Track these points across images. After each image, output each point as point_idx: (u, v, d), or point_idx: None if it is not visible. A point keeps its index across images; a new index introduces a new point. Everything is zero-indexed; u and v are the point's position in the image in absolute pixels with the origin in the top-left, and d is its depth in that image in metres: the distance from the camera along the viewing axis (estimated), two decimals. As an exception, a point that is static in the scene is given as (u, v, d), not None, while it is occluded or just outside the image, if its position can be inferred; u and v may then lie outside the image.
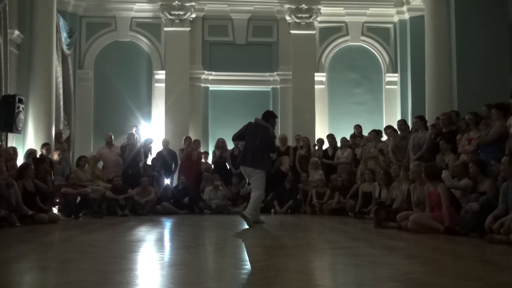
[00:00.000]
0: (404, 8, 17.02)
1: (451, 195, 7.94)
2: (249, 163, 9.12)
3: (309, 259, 5.23)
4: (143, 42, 17.26)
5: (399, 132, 11.64)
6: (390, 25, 17.56)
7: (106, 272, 4.18)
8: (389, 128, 12.26)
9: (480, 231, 6.89)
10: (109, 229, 8.88)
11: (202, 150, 15.04)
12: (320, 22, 17.18)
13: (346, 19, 17.43)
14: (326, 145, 14.51)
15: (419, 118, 10.98)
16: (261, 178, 9.17)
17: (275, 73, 17.24)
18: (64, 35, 15.15)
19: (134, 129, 15.17)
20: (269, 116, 9.51)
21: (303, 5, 16.84)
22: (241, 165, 9.35)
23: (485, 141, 8.20)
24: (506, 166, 6.72)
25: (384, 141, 12.50)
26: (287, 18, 17.04)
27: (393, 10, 17.29)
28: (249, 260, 5.15)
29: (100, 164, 13.75)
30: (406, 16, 17.05)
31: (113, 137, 14.10)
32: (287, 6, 16.96)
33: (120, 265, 4.58)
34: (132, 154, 13.52)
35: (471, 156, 8.62)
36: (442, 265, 4.95)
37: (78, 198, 11.91)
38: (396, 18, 17.36)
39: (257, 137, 9.18)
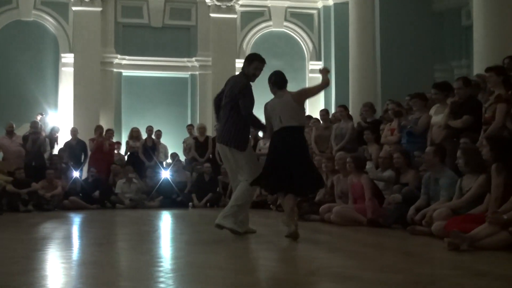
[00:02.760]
0: (329, -7, 17.37)
1: (374, 186, 8.21)
2: (220, 138, 6.60)
3: (230, 254, 5.26)
4: (49, 22, 16.67)
5: (321, 122, 11.87)
6: (314, 11, 17.87)
7: (8, 274, 4.02)
8: (310, 118, 12.48)
9: (403, 223, 7.17)
10: (11, 226, 8.58)
11: (114, 140, 14.75)
12: (242, 6, 17.23)
13: (269, 3, 17.57)
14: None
15: (343, 108, 11.26)
16: (244, 161, 6.47)
17: (193, 59, 17.14)
18: (-43, 11, 14.36)
19: (39, 117, 14.65)
20: (245, 60, 6.72)
21: (224, -13, 16.84)
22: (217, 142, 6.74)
23: (419, 131, 8.51)
24: (431, 157, 7.01)
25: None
26: (207, 0, 16.97)
27: (317, -4, 17.60)
28: (167, 257, 5.12)
29: (0, 156, 13.21)
30: (331, 2, 17.41)
31: (14, 126, 13.54)
32: (206, -13, 16.89)
33: (23, 265, 4.43)
34: (36, 145, 13.04)
35: (395, 146, 8.93)
36: (366, 257, 5.11)
37: (-25, 193, 11.38)
38: (320, 4, 17.67)
39: (227, 96, 6.54)
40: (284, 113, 6.39)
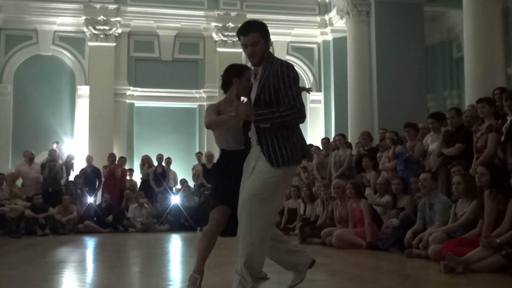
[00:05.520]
0: (328, 29, 17.53)
1: (373, 211, 8.19)
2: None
3: (236, 278, 5.22)
4: (66, 56, 16.82)
5: (322, 150, 11.88)
6: (314, 45, 18.01)
7: (26, 297, 4.01)
8: (311, 146, 12.49)
9: (400, 246, 7.14)
10: (28, 250, 8.53)
11: (126, 167, 14.78)
12: (247, 40, 17.35)
13: (272, 38, 17.57)
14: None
15: (341, 136, 11.28)
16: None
17: (201, 90, 17.24)
18: (-19, 47, 14.51)
19: (54, 145, 14.71)
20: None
21: (230, 23, 16.99)
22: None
23: (416, 158, 8.54)
24: (429, 182, 7.01)
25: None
26: (214, 36, 17.13)
27: (317, 31, 17.75)
28: (176, 280, 5.10)
29: (19, 182, 13.22)
30: (330, 37, 17.55)
31: (34, 153, 13.60)
32: (213, 24, 17.06)
33: (41, 288, 4.41)
34: (53, 172, 13.06)
35: (391, 173, 8.94)
36: (365, 280, 5.09)
37: (-5, 218, 11.35)
38: (320, 39, 17.82)
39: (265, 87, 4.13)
40: None
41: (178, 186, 14.56)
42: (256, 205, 3.87)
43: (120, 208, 13.50)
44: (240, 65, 4.56)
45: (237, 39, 15.92)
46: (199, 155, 14.93)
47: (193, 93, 17.30)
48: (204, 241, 4.37)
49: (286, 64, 4.18)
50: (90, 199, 13.40)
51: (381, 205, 8.51)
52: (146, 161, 14.47)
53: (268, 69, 4.16)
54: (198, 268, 4.26)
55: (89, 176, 13.88)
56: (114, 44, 16.62)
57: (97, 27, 16.35)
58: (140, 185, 14.39)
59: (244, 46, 4.29)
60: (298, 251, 4.43)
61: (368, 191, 8.65)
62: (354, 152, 11.13)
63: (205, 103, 17.22)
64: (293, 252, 4.36)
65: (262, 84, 4.09)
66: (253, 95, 4.15)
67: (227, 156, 4.44)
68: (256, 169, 4.03)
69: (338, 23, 16.71)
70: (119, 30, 16.65)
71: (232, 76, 4.43)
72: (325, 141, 12.07)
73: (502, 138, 6.87)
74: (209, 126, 4.37)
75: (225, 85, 4.49)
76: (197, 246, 4.34)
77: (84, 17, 16.34)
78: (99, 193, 14.05)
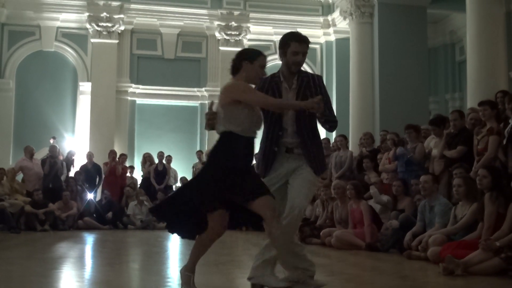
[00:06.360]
0: (331, 30, 17.51)
1: (372, 212, 8.18)
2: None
3: (234, 276, 5.23)
4: (69, 52, 16.82)
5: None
6: (317, 46, 17.98)
7: (24, 291, 4.01)
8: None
9: (400, 248, 7.14)
10: (28, 245, 8.54)
11: (127, 165, 14.78)
12: (249, 40, 17.36)
13: (274, 38, 17.67)
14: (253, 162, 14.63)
15: (343, 137, 11.26)
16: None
17: (203, 89, 17.23)
18: (-16, 42, 14.51)
19: (51, 141, 14.72)
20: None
21: (233, 22, 17.00)
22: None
23: (417, 159, 8.54)
24: (430, 185, 7.00)
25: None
26: (217, 34, 17.12)
27: (320, 32, 17.72)
28: (175, 278, 5.10)
29: (19, 177, 13.22)
30: (332, 38, 17.54)
31: (34, 149, 13.61)
32: (216, 23, 17.06)
33: (40, 284, 4.41)
34: (54, 168, 13.06)
35: (392, 174, 8.93)
36: (364, 281, 5.08)
37: (-6, 213, 11.35)
38: (323, 40, 17.80)
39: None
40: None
41: (179, 184, 14.57)
42: (302, 211, 4.30)
43: (120, 205, 13.50)
44: (254, 49, 4.31)
45: (239, 38, 15.85)
46: (199, 153, 14.96)
47: (195, 91, 17.29)
48: (199, 247, 4.16)
49: (321, 77, 4.54)
50: (90, 196, 13.41)
51: (385, 204, 8.51)
52: (147, 159, 14.50)
53: (306, 79, 4.32)
54: (190, 266, 4.09)
55: (90, 172, 13.89)
56: (116, 41, 16.61)
57: (100, 24, 16.34)
58: (141, 183, 14.41)
59: (295, 53, 4.30)
60: (311, 263, 4.60)
61: (373, 190, 8.65)
62: (356, 152, 11.12)
63: (206, 102, 17.22)
64: (305, 260, 4.57)
65: (303, 92, 4.23)
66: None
67: (235, 142, 3.92)
68: (302, 177, 4.19)
69: (341, 24, 16.69)
70: (122, 27, 16.64)
71: (243, 59, 4.11)
72: (326, 141, 12.04)
73: (504, 141, 6.86)
74: (273, 106, 4.10)
75: (234, 69, 4.18)
76: (192, 247, 4.16)
77: (87, 14, 16.34)
78: (99, 190, 14.06)
